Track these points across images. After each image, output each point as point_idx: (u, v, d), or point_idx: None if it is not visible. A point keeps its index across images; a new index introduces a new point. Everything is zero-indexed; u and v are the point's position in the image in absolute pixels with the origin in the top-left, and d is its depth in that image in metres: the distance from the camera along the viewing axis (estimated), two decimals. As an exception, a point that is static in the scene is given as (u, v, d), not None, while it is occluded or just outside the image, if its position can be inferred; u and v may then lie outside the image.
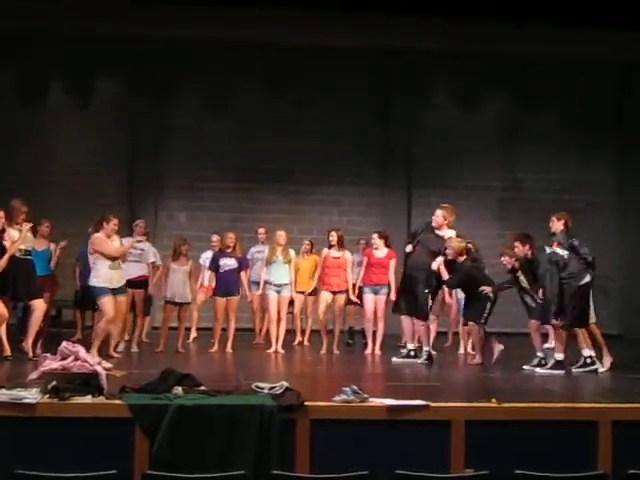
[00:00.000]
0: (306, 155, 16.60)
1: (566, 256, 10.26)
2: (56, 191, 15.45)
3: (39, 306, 10.36)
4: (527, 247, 10.62)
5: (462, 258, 10.94)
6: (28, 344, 10.24)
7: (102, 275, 10.60)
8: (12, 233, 10.21)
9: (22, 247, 10.33)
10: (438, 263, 10.87)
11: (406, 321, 11.55)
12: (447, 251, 10.93)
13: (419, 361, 11.07)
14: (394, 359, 11.27)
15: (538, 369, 10.31)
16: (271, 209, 16.58)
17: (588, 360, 10.29)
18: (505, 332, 12.36)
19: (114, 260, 10.65)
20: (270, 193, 16.84)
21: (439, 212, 11.15)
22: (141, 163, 16.71)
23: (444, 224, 11.08)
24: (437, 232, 11.13)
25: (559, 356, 10.21)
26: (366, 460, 6.12)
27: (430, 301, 11.08)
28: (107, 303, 10.57)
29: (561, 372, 10.09)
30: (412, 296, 11.14)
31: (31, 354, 10.08)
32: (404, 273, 11.39)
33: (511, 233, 11.26)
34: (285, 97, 16.50)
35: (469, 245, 11.13)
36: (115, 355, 10.85)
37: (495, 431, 6.88)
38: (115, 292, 10.64)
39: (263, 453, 6.56)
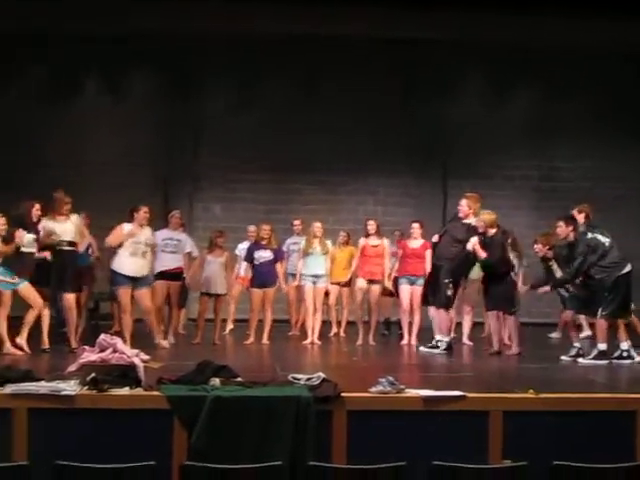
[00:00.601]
0: (341, 146, 16.54)
1: (607, 244, 10.11)
2: (91, 186, 15.50)
3: (66, 298, 10.44)
4: (570, 229, 10.35)
5: (493, 231, 10.84)
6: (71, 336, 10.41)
7: (121, 262, 10.71)
8: (49, 225, 10.30)
9: (67, 239, 10.42)
10: (473, 243, 10.77)
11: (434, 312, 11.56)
12: (478, 223, 10.86)
13: (436, 351, 11.02)
14: (422, 348, 11.34)
15: (580, 359, 10.18)
16: (306, 200, 16.57)
17: (624, 354, 10.18)
18: (537, 323, 12.30)
19: (134, 248, 10.71)
20: (305, 184, 16.83)
21: (463, 202, 11.12)
22: (176, 156, 16.75)
23: (469, 213, 11.03)
24: (463, 221, 11.07)
25: (602, 346, 10.06)
26: (403, 451, 6.11)
27: (451, 290, 11.01)
28: (121, 294, 10.72)
29: (604, 362, 9.97)
30: (436, 286, 11.10)
31: (74, 345, 10.20)
32: (432, 264, 11.39)
33: (557, 218, 10.93)
34: (319, 88, 16.47)
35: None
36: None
37: (533, 422, 6.86)
38: (136, 283, 10.71)
39: (299, 444, 6.59)
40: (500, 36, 15.58)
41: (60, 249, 10.38)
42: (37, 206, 10.38)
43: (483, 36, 15.63)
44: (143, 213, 10.90)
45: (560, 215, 10.87)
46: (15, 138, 15.78)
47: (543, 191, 17.11)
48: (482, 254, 10.73)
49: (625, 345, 10.21)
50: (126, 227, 10.89)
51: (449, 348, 11.03)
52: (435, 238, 11.20)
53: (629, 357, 10.14)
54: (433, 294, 11.30)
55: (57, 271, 10.34)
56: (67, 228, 10.49)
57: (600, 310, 10.01)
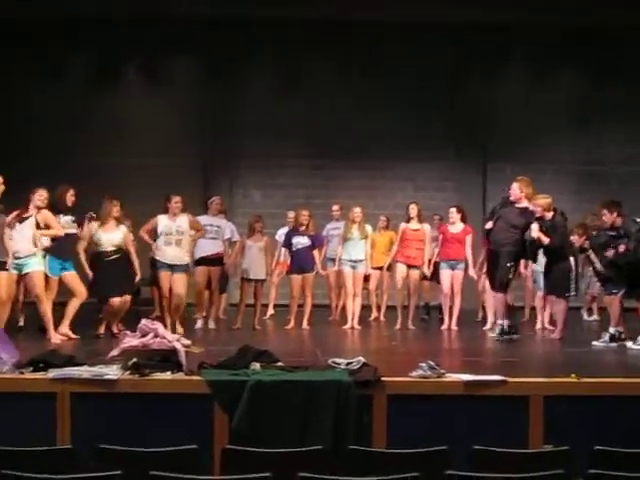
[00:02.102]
0: (380, 131, 16.48)
1: None
2: (132, 172, 15.62)
3: (112, 302, 10.53)
4: (615, 215, 10.19)
5: (551, 214, 10.75)
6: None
7: (159, 249, 10.87)
8: (63, 219, 10.37)
9: (111, 248, 10.54)
10: (536, 230, 10.65)
11: (490, 296, 11.49)
12: (535, 208, 10.77)
13: (492, 335, 10.96)
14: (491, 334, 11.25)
15: (629, 343, 10.05)
16: (346, 185, 16.55)
17: None
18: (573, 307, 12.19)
19: (166, 239, 10.80)
20: (344, 170, 16.81)
21: (515, 185, 10.98)
22: (216, 142, 16.82)
23: (522, 197, 10.89)
24: (516, 205, 10.95)
25: None
26: (443, 436, 6.10)
27: (511, 275, 10.93)
28: (161, 278, 10.92)
29: None
30: (495, 271, 11.01)
31: (115, 330, 10.34)
32: (489, 250, 11.28)
33: (600, 206, 10.80)
34: (358, 74, 16.43)
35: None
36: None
37: (575, 407, 6.81)
38: (173, 269, 10.81)
39: (340, 428, 6.60)
40: (543, 18, 15.42)
41: (103, 260, 10.53)
42: (71, 191, 10.50)
43: (526, 19, 15.48)
44: (174, 203, 10.95)
45: (602, 200, 10.78)
46: (56, 125, 15.93)
47: (585, 175, 16.94)
48: (545, 239, 10.59)
49: None
50: (160, 219, 10.95)
51: (514, 332, 10.91)
52: (489, 225, 11.06)
53: None
54: (492, 279, 11.18)
55: (102, 279, 10.46)
56: (112, 239, 10.59)
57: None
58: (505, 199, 11.16)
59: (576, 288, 10.84)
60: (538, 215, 10.72)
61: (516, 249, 10.82)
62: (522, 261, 11.83)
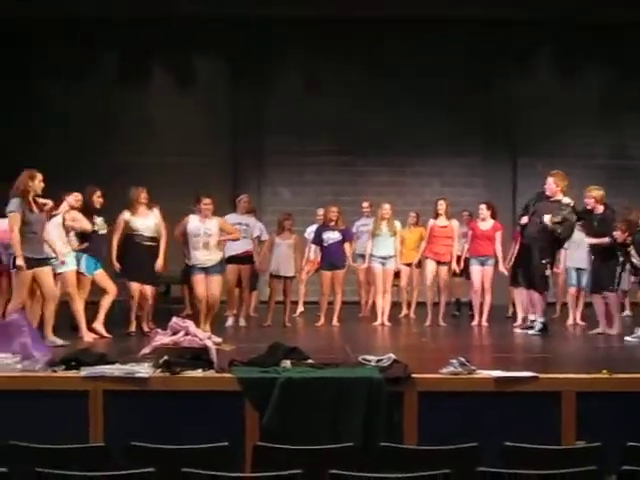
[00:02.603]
0: (407, 127, 16.44)
1: None
2: (159, 171, 15.64)
3: (138, 288, 10.61)
4: None
5: (602, 208, 10.67)
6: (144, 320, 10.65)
7: (190, 253, 10.68)
8: (97, 220, 10.42)
9: (147, 234, 10.59)
10: (549, 219, 10.57)
11: (519, 293, 11.42)
12: (586, 200, 10.71)
13: (531, 332, 10.89)
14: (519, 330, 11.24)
15: None
16: (374, 182, 16.53)
17: None
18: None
19: (194, 242, 10.63)
20: (372, 166, 16.78)
21: (550, 179, 10.89)
22: (244, 140, 16.85)
23: (557, 191, 10.81)
24: (551, 199, 10.88)
25: None
26: (475, 432, 6.09)
27: (548, 271, 10.87)
28: (194, 282, 10.71)
29: None
30: (528, 267, 10.94)
31: (146, 329, 10.40)
32: (522, 244, 11.23)
33: None
34: (385, 70, 16.39)
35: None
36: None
37: (607, 403, 6.77)
38: (207, 271, 10.63)
39: (371, 425, 6.60)
40: (571, 13, 15.31)
41: (139, 243, 10.57)
42: (98, 192, 10.52)
43: (554, 13, 15.38)
44: (204, 205, 10.71)
45: (629, 197, 10.78)
46: (83, 125, 16.02)
47: (614, 169, 16.79)
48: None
49: None
50: (192, 219, 10.80)
51: (544, 329, 10.86)
52: (524, 220, 11.00)
53: None
54: (524, 275, 11.12)
55: (138, 265, 10.54)
56: (148, 224, 10.65)
57: None
58: (540, 194, 11.09)
59: (619, 283, 10.76)
60: (589, 207, 10.68)
61: (549, 244, 10.76)
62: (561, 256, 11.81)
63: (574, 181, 13.69)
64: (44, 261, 9.13)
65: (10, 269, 9.05)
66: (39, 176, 9.00)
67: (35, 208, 9.00)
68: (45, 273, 9.12)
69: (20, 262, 8.72)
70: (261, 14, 15.35)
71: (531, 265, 10.83)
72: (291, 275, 12.21)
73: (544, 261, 10.71)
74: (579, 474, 4.95)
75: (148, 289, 10.76)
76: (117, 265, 10.57)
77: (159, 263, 10.67)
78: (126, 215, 10.63)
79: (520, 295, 11.89)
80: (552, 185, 10.81)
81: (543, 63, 16.72)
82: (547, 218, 10.56)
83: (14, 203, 8.84)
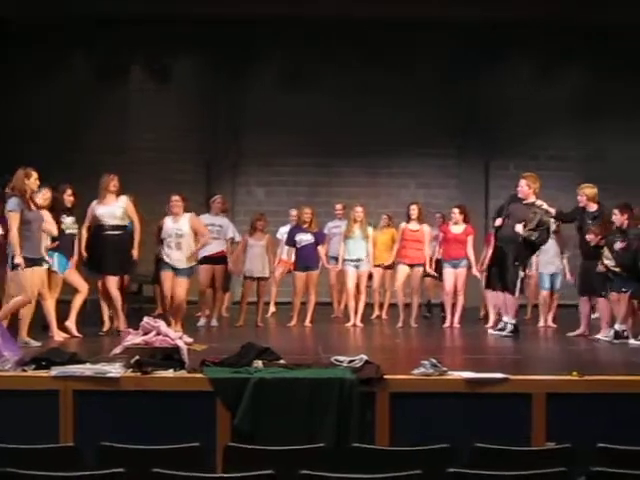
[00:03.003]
0: (383, 129, 16.47)
1: None
2: (135, 169, 15.60)
3: (108, 280, 10.52)
4: (625, 217, 10.27)
5: (595, 206, 10.71)
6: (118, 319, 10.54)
7: (163, 250, 10.71)
8: (67, 220, 10.34)
9: (111, 222, 10.47)
10: (521, 228, 10.63)
11: (494, 295, 11.47)
12: (578, 198, 10.74)
13: (503, 333, 10.91)
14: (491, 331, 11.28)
15: (632, 341, 10.04)
16: (348, 183, 16.55)
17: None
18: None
19: (166, 242, 10.65)
20: (347, 167, 16.80)
21: (523, 182, 10.91)
22: (219, 140, 16.83)
23: (529, 193, 10.82)
24: (524, 202, 10.90)
25: None
26: (446, 433, 6.10)
27: (522, 273, 10.91)
28: (163, 277, 10.73)
29: None
30: (502, 269, 10.96)
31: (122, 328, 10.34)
32: (495, 247, 11.23)
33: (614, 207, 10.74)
34: (362, 71, 16.41)
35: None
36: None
37: (577, 404, 6.81)
38: (176, 271, 10.61)
39: (343, 426, 6.61)
40: (546, 14, 15.37)
41: (101, 233, 10.49)
42: (69, 191, 10.43)
43: (529, 14, 15.43)
44: (172, 203, 10.72)
45: (601, 201, 10.82)
46: (61, 123, 15.94)
47: (588, 172, 16.87)
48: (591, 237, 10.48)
49: None
50: (166, 220, 10.78)
51: (516, 331, 10.90)
52: (499, 222, 10.98)
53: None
54: (499, 277, 11.13)
55: (99, 255, 10.45)
56: (113, 211, 10.54)
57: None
58: (513, 196, 11.12)
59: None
60: (582, 205, 10.71)
61: (522, 246, 10.80)
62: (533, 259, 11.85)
63: (546, 183, 13.81)
64: (39, 261, 9.12)
65: (10, 268, 8.98)
66: (34, 174, 8.97)
67: (33, 206, 9.00)
68: (38, 273, 9.08)
69: (19, 261, 8.70)
70: (240, 13, 15.31)
71: (504, 267, 10.86)
72: (265, 276, 12.21)
73: (517, 263, 10.74)
74: (549, 475, 4.97)
75: (112, 282, 10.53)
76: (84, 254, 10.49)
77: (134, 253, 10.57)
78: (93, 203, 10.56)
79: (494, 297, 11.93)
80: (524, 187, 10.84)
81: (517, 65, 16.79)
82: (520, 228, 10.58)
83: (13, 202, 8.81)
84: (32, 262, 8.88)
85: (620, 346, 9.96)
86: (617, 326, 10.30)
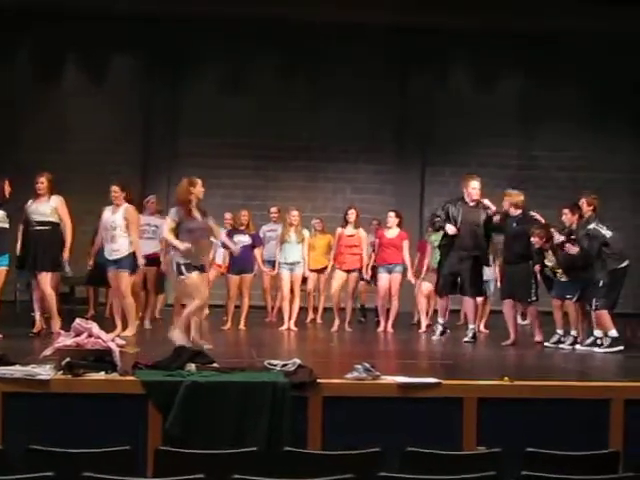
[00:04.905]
0: (320, 133, 16.54)
1: (608, 235, 10.13)
2: (70, 169, 15.41)
3: (41, 277, 10.30)
4: (575, 217, 10.47)
5: (518, 211, 10.82)
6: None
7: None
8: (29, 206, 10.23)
9: (40, 219, 10.28)
10: (451, 229, 10.77)
11: (442, 301, 11.43)
12: (503, 203, 10.87)
13: (465, 339, 10.88)
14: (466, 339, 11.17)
15: (596, 348, 10.10)
16: (284, 186, 16.56)
17: (598, 341, 10.24)
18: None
19: (104, 234, 10.62)
20: (284, 171, 16.82)
21: (476, 184, 10.96)
22: (155, 141, 16.72)
23: (479, 194, 11.00)
24: (470, 204, 10.97)
25: (613, 333, 10.06)
26: (378, 437, 6.11)
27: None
28: (108, 276, 10.68)
29: (620, 347, 10.00)
30: (465, 276, 10.93)
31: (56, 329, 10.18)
32: (449, 254, 11.01)
33: (563, 206, 10.81)
34: (300, 74, 16.45)
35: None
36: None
37: (507, 409, 6.88)
38: (116, 265, 10.52)
39: (275, 430, 6.59)
40: (489, 22, 15.55)
41: (29, 229, 10.31)
42: (7, 182, 10.28)
43: (467, 23, 15.60)
44: (111, 193, 10.62)
45: (535, 207, 10.99)
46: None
47: (523, 178, 17.08)
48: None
49: (599, 333, 10.25)
50: (105, 210, 10.70)
51: (475, 337, 10.95)
52: (452, 230, 10.87)
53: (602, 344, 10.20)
54: (471, 284, 10.99)
55: (27, 252, 10.28)
56: (41, 209, 10.31)
57: (594, 301, 10.10)
58: (456, 200, 11.14)
59: (536, 294, 10.83)
60: (505, 209, 10.82)
61: (486, 252, 11.08)
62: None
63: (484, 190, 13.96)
64: None
65: None
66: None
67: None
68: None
69: None
70: (177, 13, 15.24)
71: (469, 274, 10.89)
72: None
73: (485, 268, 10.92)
74: (478, 479, 5.02)
75: (45, 280, 10.21)
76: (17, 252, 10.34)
77: (65, 253, 10.32)
78: (28, 203, 10.41)
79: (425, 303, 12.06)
80: (478, 190, 10.95)
81: (457, 71, 16.96)
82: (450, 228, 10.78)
83: None
84: None
85: (556, 352, 10.15)
86: (573, 332, 10.47)
